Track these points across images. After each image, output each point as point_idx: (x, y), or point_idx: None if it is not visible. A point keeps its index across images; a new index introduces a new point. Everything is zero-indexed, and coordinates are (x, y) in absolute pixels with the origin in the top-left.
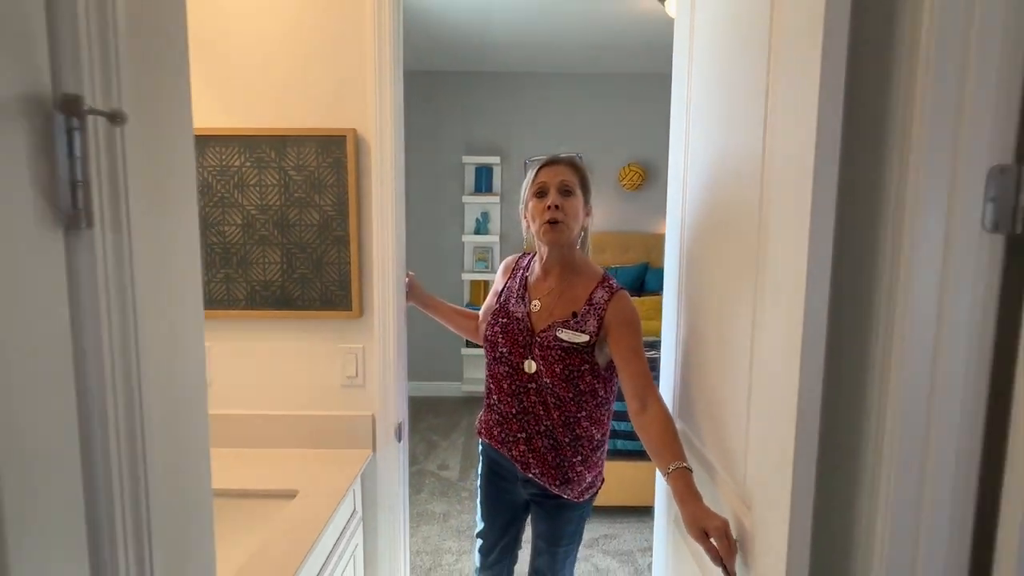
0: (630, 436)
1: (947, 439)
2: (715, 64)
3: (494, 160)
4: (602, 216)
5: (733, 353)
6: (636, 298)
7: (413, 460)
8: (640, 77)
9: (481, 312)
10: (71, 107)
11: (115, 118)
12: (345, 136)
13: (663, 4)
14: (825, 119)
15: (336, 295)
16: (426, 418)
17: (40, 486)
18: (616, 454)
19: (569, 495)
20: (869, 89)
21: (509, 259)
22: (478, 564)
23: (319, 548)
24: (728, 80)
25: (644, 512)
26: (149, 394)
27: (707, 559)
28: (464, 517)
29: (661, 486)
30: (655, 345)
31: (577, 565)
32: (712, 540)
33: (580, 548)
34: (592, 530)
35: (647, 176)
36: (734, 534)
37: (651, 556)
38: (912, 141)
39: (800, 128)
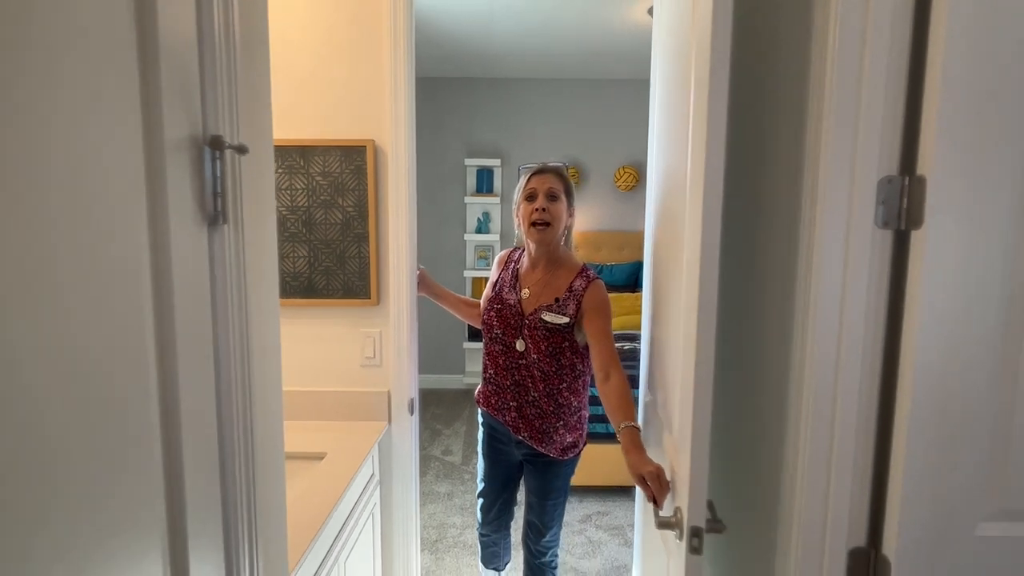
0: None
1: (852, 378)
2: (666, 89)
3: (495, 162)
4: (598, 216)
5: (673, 333)
6: (631, 294)
7: (419, 445)
8: (633, 83)
9: (481, 301)
10: (215, 143)
11: (241, 150)
12: (365, 146)
13: (651, 16)
14: (714, 141)
15: (356, 285)
16: (430, 408)
17: (192, 437)
18: (610, 437)
19: (553, 453)
20: (791, 120)
21: (503, 253)
22: (480, 520)
23: (346, 499)
24: (671, 103)
25: (634, 491)
26: (255, 359)
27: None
28: (467, 497)
29: None
30: (638, 337)
31: (573, 538)
32: (648, 482)
33: (576, 523)
34: (587, 507)
35: (640, 178)
36: (669, 478)
37: None
38: (822, 158)
39: (698, 150)
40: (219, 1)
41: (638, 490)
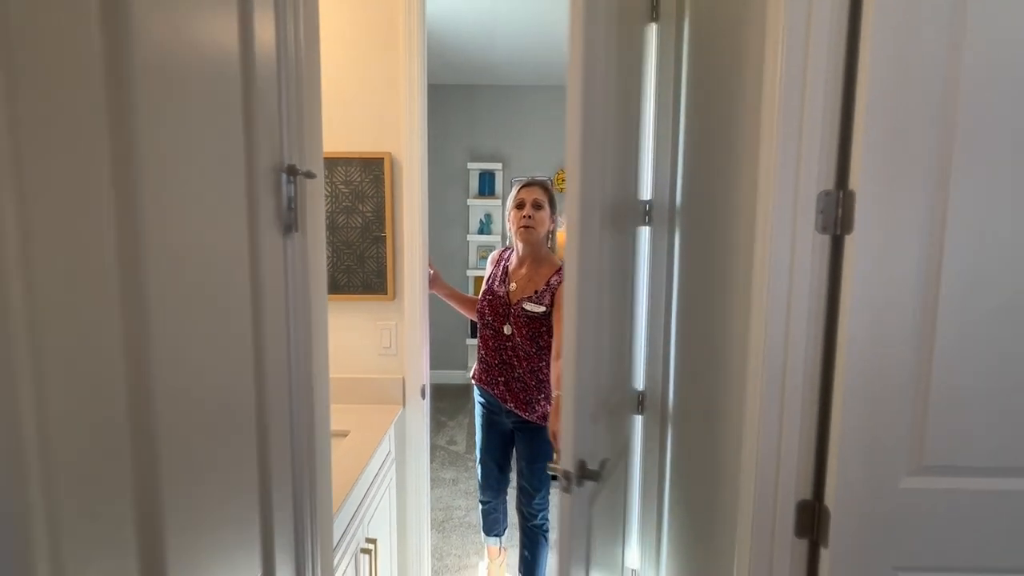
0: None
1: (798, 355)
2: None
3: (496, 166)
4: None
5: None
6: None
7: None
8: None
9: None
10: (291, 171)
11: (309, 175)
12: (383, 158)
13: None
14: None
15: (374, 282)
16: (435, 402)
17: (275, 414)
18: None
19: (536, 420)
20: (749, 144)
21: (495, 252)
22: (480, 486)
23: (367, 471)
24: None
25: None
26: (314, 346)
27: None
28: (471, 483)
29: None
30: None
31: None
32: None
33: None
34: None
35: None
36: None
37: None
38: (773, 175)
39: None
40: (291, 45)
41: None
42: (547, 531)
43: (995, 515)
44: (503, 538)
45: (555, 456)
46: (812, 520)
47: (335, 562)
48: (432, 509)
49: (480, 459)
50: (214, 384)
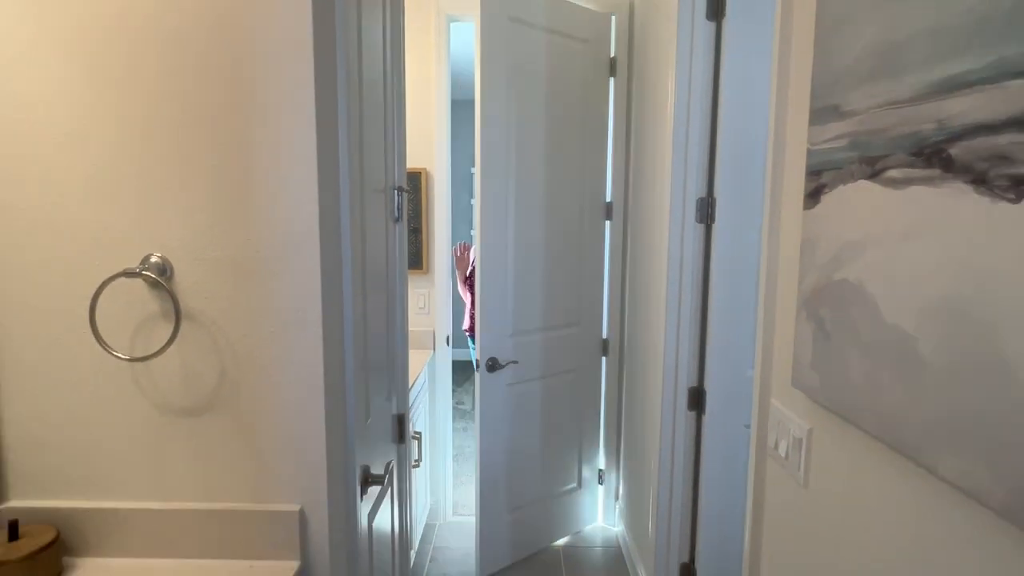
0: None
1: (687, 302)
2: None
3: None
4: None
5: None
6: None
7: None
8: None
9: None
10: (399, 189)
11: (403, 190)
12: (420, 172)
13: None
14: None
15: (413, 260)
16: None
17: (400, 334)
18: None
19: None
20: (660, 167)
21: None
22: None
23: (414, 388)
24: None
25: None
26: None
27: None
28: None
29: None
30: None
31: None
32: None
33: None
34: None
35: None
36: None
37: None
38: (671, 186)
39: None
40: (394, 87)
41: None
42: None
43: None
44: None
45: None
46: (697, 398)
47: None
48: None
49: None
50: (377, 312)
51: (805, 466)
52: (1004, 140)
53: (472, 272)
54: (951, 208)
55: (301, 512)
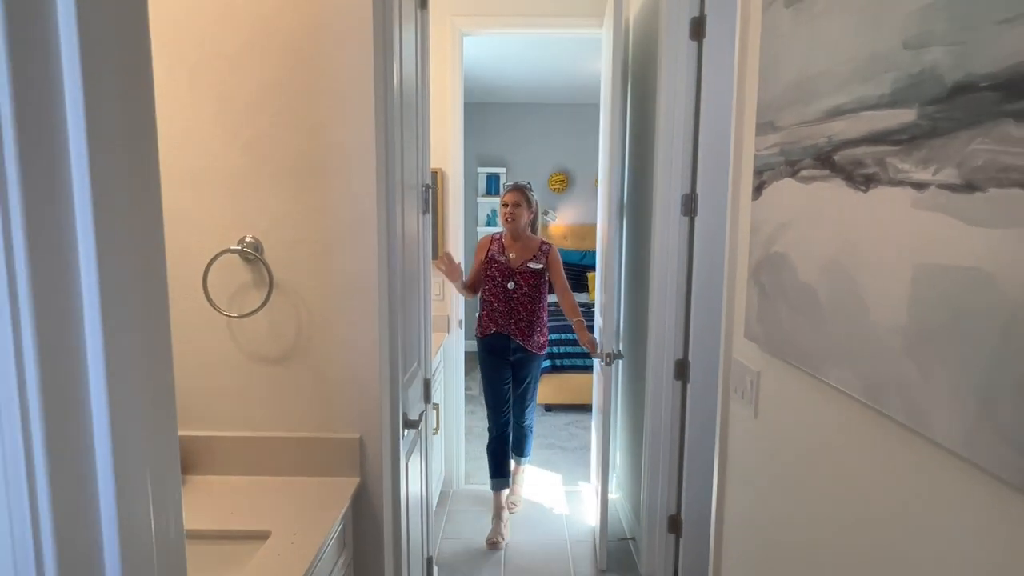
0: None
1: (670, 277)
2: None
3: (500, 170)
4: (582, 212)
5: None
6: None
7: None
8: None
9: (470, 275)
10: (426, 188)
11: (429, 187)
12: (437, 172)
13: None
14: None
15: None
16: None
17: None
18: (586, 369)
19: (533, 349)
20: (651, 163)
21: (483, 239)
22: (490, 416)
23: (434, 365)
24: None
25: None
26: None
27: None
28: (482, 412)
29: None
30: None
31: (559, 432)
32: (590, 344)
33: (562, 424)
34: (567, 417)
35: None
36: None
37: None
38: (659, 183)
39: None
40: (424, 92)
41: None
42: (531, 427)
43: None
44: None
45: (593, 350)
46: (683, 369)
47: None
48: None
49: (487, 400)
50: (412, 287)
51: (756, 400)
52: (860, 151)
53: (496, 263)
54: (834, 197)
55: (360, 440)
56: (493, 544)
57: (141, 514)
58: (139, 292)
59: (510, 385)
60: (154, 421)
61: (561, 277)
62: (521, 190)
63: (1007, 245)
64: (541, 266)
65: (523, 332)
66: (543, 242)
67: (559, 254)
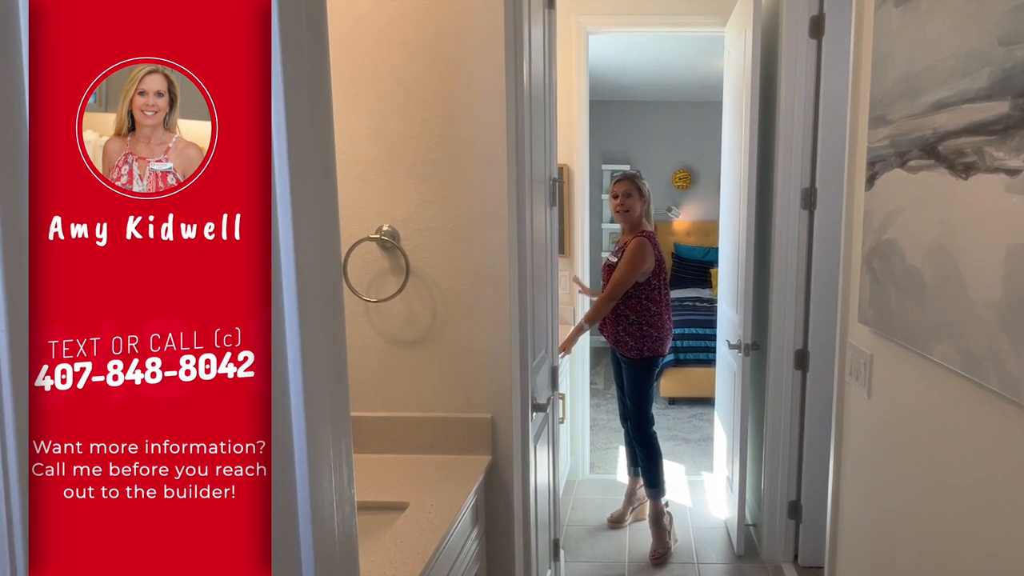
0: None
1: (791, 261)
2: (728, 116)
3: (625, 167)
4: (706, 209)
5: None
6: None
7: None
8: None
9: None
10: (553, 181)
11: (556, 180)
12: (563, 168)
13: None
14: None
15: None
16: None
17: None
18: (709, 363)
19: (622, 351)
20: (771, 158)
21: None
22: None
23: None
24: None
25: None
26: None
27: None
28: (606, 407)
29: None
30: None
31: (683, 424)
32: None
33: (686, 417)
34: (693, 409)
35: None
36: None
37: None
38: (780, 178)
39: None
40: (552, 92)
41: (718, 399)
42: (642, 443)
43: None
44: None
45: (562, 351)
46: (803, 359)
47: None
48: None
49: (616, 394)
50: (540, 276)
51: (869, 382)
52: (961, 141)
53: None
54: (938, 185)
55: (492, 420)
56: (613, 521)
57: (325, 489)
58: (322, 284)
59: (623, 390)
60: (333, 404)
61: (619, 270)
62: (631, 179)
63: None
64: (615, 259)
65: (608, 329)
66: (641, 233)
67: (644, 248)
